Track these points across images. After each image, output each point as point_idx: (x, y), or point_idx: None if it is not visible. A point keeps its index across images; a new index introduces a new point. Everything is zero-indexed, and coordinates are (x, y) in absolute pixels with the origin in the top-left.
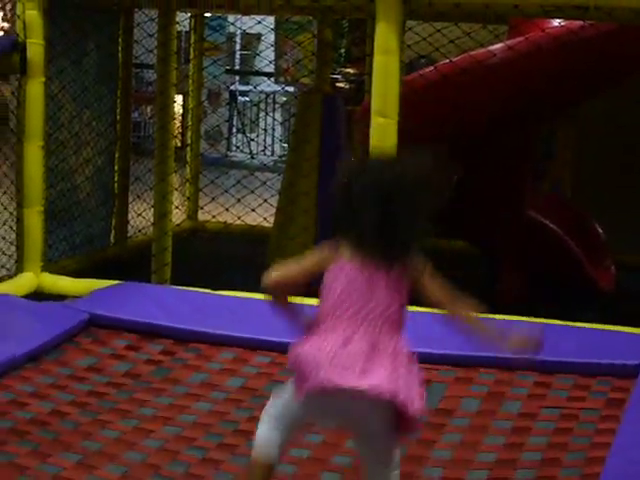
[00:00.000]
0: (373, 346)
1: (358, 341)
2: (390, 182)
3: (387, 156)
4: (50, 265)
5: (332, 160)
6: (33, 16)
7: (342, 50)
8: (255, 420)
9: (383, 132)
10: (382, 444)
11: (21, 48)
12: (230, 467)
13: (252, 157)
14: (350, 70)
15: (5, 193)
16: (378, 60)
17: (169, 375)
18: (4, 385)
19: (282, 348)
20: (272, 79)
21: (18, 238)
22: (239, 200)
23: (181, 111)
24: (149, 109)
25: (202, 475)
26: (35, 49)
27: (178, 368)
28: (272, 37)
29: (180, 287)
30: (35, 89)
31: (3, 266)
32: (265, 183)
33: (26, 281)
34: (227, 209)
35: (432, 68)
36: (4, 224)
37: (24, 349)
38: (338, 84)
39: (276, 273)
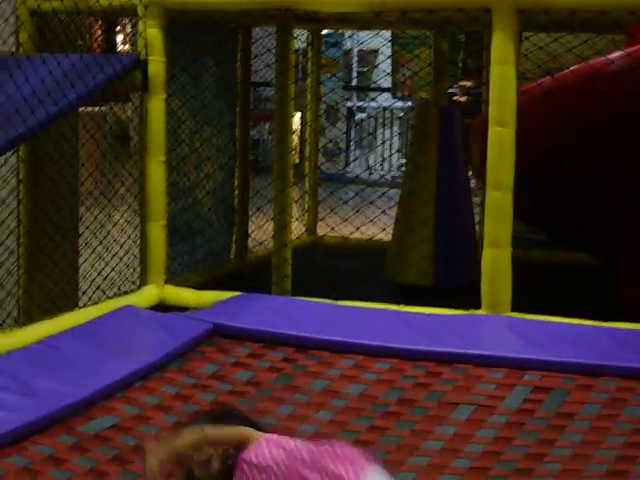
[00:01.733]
0: None
1: None
2: None
3: None
4: (173, 279)
5: (450, 172)
6: (154, 34)
7: (459, 63)
8: (375, 429)
9: (501, 141)
10: None
11: (143, 65)
12: None
13: (370, 172)
14: (467, 83)
15: (129, 208)
16: (495, 70)
17: (290, 383)
18: (130, 398)
19: (402, 355)
20: (389, 94)
21: (142, 252)
22: (357, 211)
23: (299, 128)
24: (267, 126)
25: None
26: (156, 66)
27: (299, 375)
28: (389, 52)
29: (300, 297)
30: (156, 105)
31: (127, 279)
32: (383, 195)
33: (150, 293)
34: (346, 220)
35: (549, 77)
36: (128, 238)
37: (149, 359)
38: (455, 97)
39: None
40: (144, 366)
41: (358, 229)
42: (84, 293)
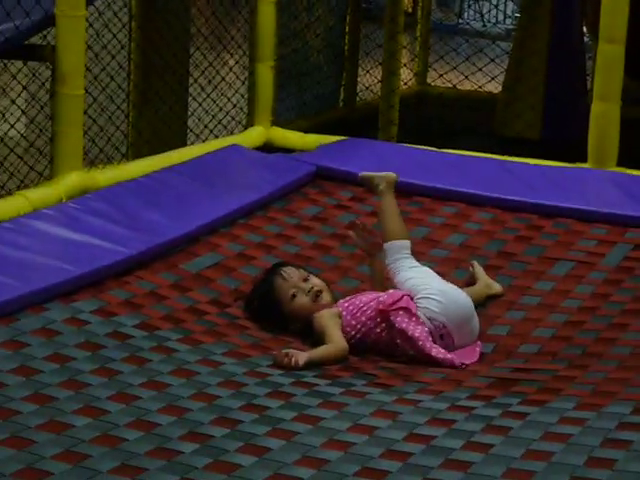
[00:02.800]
0: None
1: None
2: None
3: None
4: (280, 122)
5: (564, 23)
6: None
7: None
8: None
9: None
10: None
11: None
12: None
13: (483, 24)
14: None
15: (244, 55)
16: None
17: None
18: (233, 235)
19: (504, 205)
20: None
21: (250, 93)
22: (467, 59)
23: None
24: None
25: None
26: None
27: None
28: None
29: (405, 144)
30: None
31: (234, 118)
32: (495, 45)
33: (256, 134)
34: (455, 67)
35: None
36: (237, 78)
37: (253, 197)
38: None
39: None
40: (248, 204)
41: (467, 77)
42: (192, 132)
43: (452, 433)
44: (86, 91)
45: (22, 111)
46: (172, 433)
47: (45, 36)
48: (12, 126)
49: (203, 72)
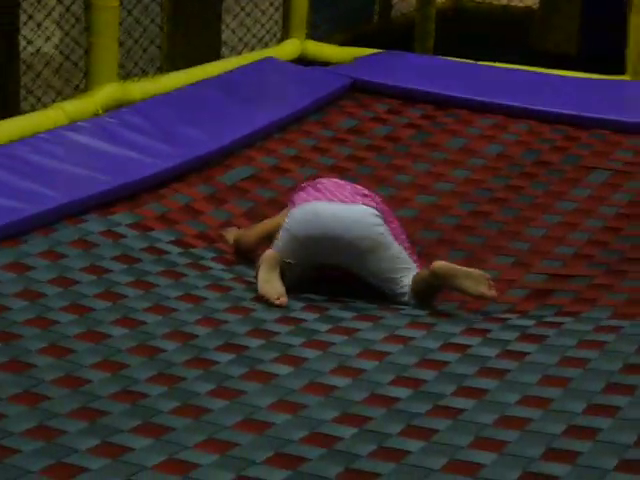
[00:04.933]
0: None
1: None
2: None
3: None
4: (314, 36)
5: None
6: None
7: None
8: (510, 188)
9: None
10: None
11: None
12: (483, 232)
13: None
14: None
15: None
16: None
17: (428, 140)
18: (267, 149)
19: (542, 117)
20: None
21: (284, 5)
22: None
23: None
24: None
25: (454, 240)
26: None
27: (437, 133)
28: None
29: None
30: None
31: (269, 31)
32: None
33: (291, 47)
34: None
35: None
36: None
37: (288, 110)
38: None
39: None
40: (282, 117)
41: None
42: (226, 45)
43: (487, 342)
44: (121, 3)
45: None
46: (208, 344)
47: None
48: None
49: None
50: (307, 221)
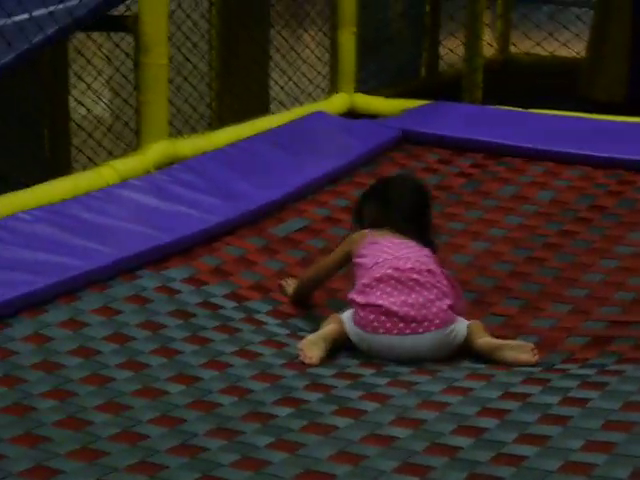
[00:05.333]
0: None
1: None
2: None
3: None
4: (362, 92)
5: None
6: None
7: None
8: (564, 233)
9: None
10: None
11: None
12: (538, 279)
13: None
14: None
15: (320, 14)
16: None
17: (480, 188)
18: (319, 201)
19: (594, 162)
20: None
21: (332, 59)
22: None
23: None
24: None
25: (510, 287)
26: None
27: (488, 181)
28: None
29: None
30: None
31: (318, 86)
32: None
33: (340, 100)
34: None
35: None
36: (319, 45)
37: (339, 163)
38: None
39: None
40: (334, 170)
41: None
42: (275, 100)
43: (548, 390)
44: (170, 59)
45: (107, 82)
46: (265, 398)
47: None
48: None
49: (287, 40)
50: (378, 351)
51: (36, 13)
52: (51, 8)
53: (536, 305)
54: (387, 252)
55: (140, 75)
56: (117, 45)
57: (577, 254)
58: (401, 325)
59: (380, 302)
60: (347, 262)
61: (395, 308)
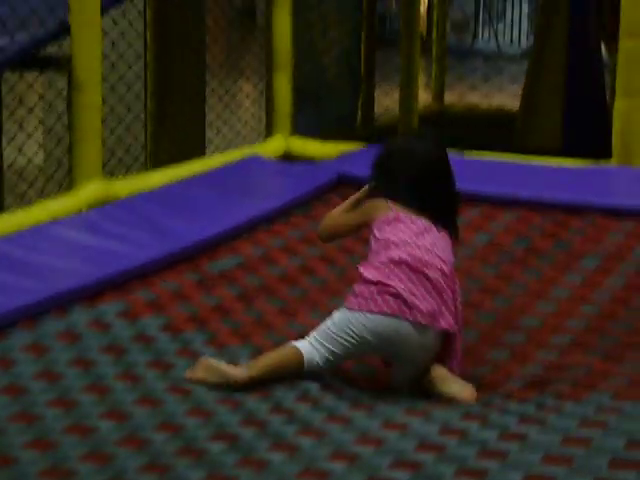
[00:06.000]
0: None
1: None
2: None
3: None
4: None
5: (582, 37)
6: None
7: None
8: (501, 276)
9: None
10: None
11: None
12: (475, 323)
13: (498, 47)
14: None
15: (256, 57)
16: None
17: None
18: (255, 240)
19: (529, 205)
20: None
21: (268, 102)
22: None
23: (427, 1)
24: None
25: None
26: None
27: None
28: None
29: None
30: None
31: (253, 129)
32: (512, 64)
33: (276, 144)
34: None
35: None
36: (255, 88)
37: (274, 204)
38: None
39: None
40: (269, 210)
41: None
42: (211, 142)
43: (487, 426)
44: (103, 101)
45: (39, 121)
46: (199, 435)
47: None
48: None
49: (222, 83)
50: (386, 338)
51: None
52: None
53: (474, 350)
54: (407, 234)
55: (73, 114)
56: (50, 84)
57: (514, 297)
58: (409, 311)
59: (393, 285)
60: (364, 228)
61: (410, 297)
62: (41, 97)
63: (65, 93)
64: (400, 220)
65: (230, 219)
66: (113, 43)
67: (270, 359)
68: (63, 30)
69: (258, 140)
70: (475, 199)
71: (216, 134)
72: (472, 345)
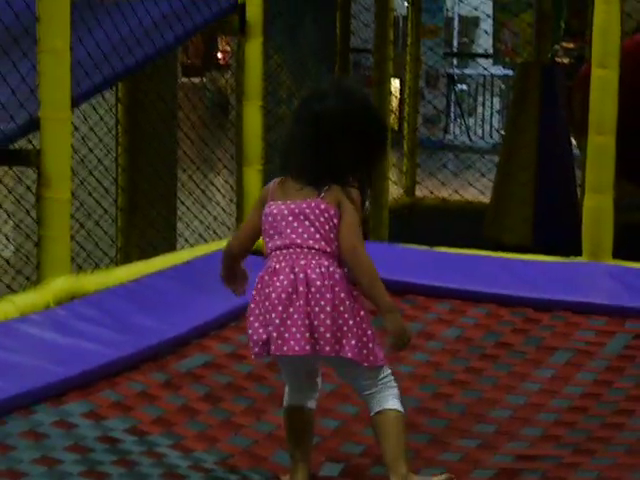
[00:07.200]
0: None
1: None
2: (325, 109)
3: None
4: None
5: (552, 132)
6: None
7: (561, 24)
8: (471, 370)
9: (603, 83)
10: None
11: (240, 9)
12: (445, 414)
13: (470, 140)
14: (570, 45)
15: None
16: (599, 9)
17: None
18: (224, 337)
19: (500, 300)
20: (491, 60)
21: (238, 197)
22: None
23: (398, 95)
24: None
25: (416, 423)
26: (254, 10)
27: None
28: (490, 21)
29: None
30: (254, 49)
31: (224, 223)
32: (482, 157)
33: None
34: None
35: None
36: (226, 182)
37: (244, 300)
38: (558, 58)
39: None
40: (238, 306)
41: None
42: (181, 236)
43: None
44: (73, 195)
45: (8, 215)
46: None
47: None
48: None
49: (191, 177)
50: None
51: None
52: None
53: (443, 440)
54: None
55: (42, 209)
56: (19, 179)
57: (484, 390)
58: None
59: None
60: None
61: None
62: (10, 191)
63: (35, 187)
64: (273, 203)
65: (199, 315)
66: (83, 138)
67: None
68: (33, 124)
69: (229, 234)
70: (445, 294)
71: (186, 228)
72: (441, 433)
